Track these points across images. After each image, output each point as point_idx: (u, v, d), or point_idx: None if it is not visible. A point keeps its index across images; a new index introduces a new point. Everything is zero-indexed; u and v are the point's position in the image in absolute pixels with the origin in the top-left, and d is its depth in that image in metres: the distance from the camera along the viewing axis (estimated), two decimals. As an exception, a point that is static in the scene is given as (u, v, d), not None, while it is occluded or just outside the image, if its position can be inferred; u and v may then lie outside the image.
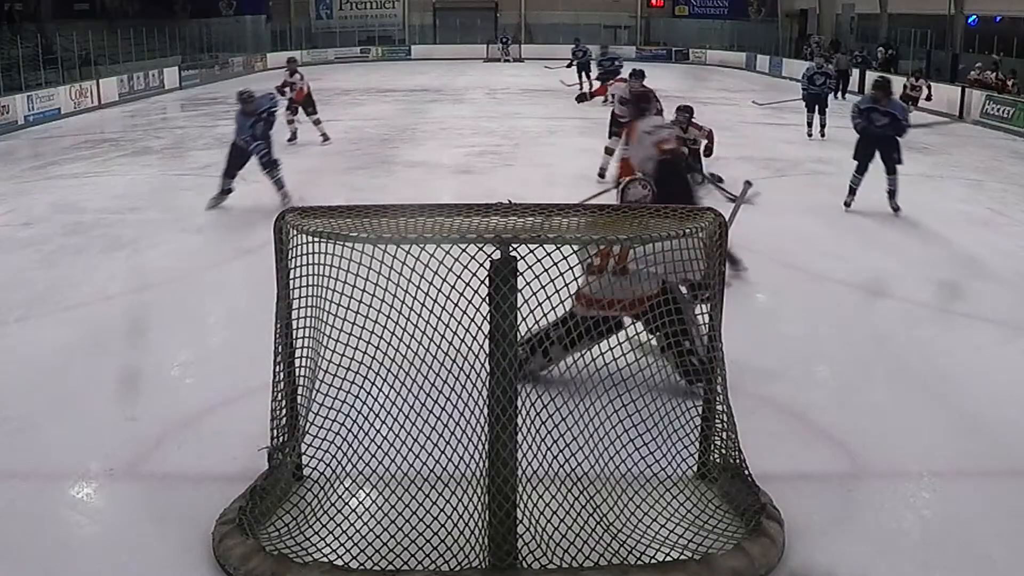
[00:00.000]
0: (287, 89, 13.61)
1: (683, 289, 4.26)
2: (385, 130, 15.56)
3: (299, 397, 3.70)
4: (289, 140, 13.41)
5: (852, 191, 9.05)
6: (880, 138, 8.63)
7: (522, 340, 3.82)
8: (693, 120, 9.42)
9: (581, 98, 10.77)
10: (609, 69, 19.49)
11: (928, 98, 18.05)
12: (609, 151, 9.82)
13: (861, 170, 8.93)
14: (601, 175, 9.48)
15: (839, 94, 21.32)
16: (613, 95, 10.25)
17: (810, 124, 14.95)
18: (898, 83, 19.60)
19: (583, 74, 21.31)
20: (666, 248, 3.50)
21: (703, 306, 3.78)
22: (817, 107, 14.87)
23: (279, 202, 8.53)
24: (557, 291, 3.23)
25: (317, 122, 13.91)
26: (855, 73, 23.82)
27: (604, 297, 4.26)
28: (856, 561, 3.38)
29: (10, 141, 15.59)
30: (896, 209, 8.78)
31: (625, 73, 11.97)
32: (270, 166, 9.17)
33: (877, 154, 8.75)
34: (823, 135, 14.45)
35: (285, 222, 3.49)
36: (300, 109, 13.80)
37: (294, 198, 8.75)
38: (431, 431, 3.34)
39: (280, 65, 32.40)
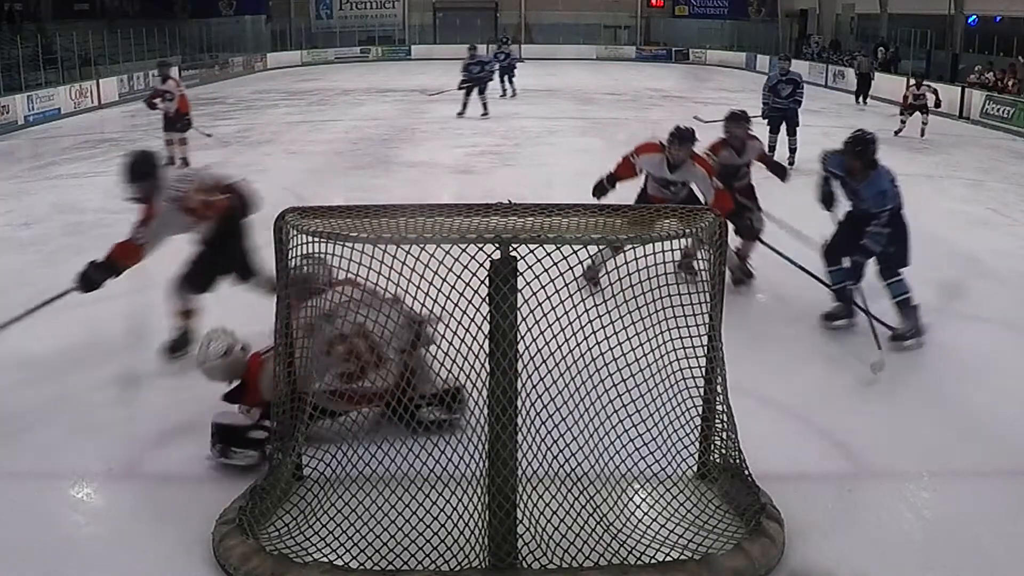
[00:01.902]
0: (158, 100, 11.27)
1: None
2: (385, 130, 15.56)
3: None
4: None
5: (841, 310, 5.73)
6: (862, 221, 5.43)
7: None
8: (751, 133, 6.80)
9: (600, 191, 6.23)
10: (476, 76, 16.52)
11: (937, 104, 15.23)
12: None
13: (832, 262, 5.67)
14: (592, 278, 4.81)
15: (861, 99, 20.36)
16: (642, 169, 6.29)
17: (772, 148, 10.69)
18: (899, 83, 19.61)
19: (476, 92, 16.57)
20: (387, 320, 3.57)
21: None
22: (785, 126, 11.36)
23: None
24: (557, 291, 3.23)
25: (183, 141, 11.28)
26: (854, 74, 23.79)
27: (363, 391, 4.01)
28: (856, 561, 3.38)
29: (10, 141, 15.59)
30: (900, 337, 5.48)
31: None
32: None
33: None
34: (792, 163, 10.63)
35: (285, 222, 3.49)
36: (175, 124, 11.24)
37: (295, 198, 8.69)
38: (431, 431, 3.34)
39: (280, 65, 32.63)
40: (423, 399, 4.03)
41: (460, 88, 16.67)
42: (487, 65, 16.91)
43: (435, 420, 3.96)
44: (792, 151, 11.29)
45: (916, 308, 5.51)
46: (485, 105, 16.76)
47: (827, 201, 5.65)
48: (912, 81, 16.94)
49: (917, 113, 14.82)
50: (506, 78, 20.00)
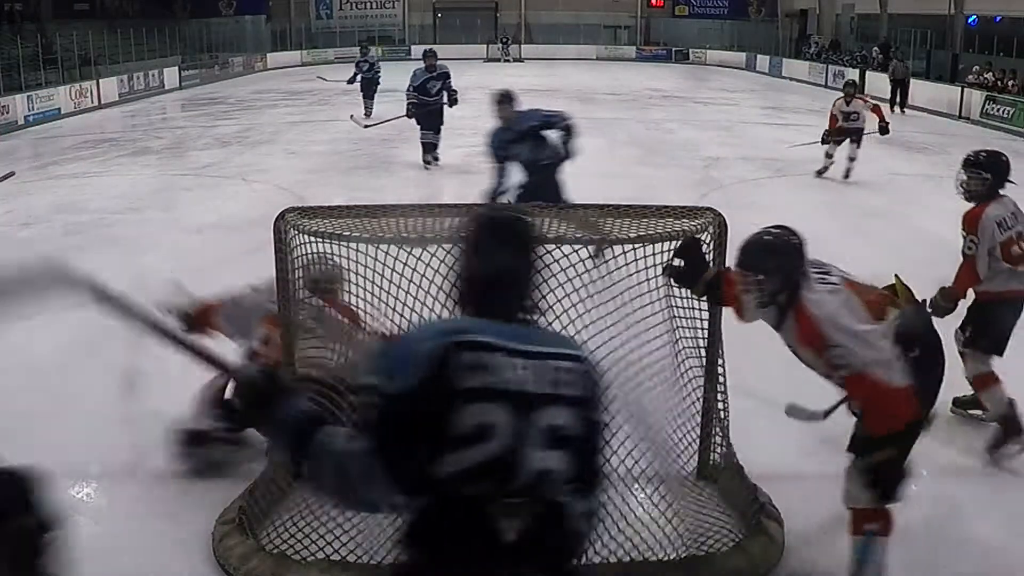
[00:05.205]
0: None
1: None
2: (385, 130, 15.53)
3: (299, 397, 3.70)
4: None
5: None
6: None
7: None
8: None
9: None
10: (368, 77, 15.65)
11: (883, 130, 9.99)
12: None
13: None
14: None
15: (896, 107, 18.82)
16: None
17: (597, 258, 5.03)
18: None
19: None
20: None
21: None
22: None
23: None
24: (556, 290, 3.22)
25: None
26: (854, 74, 23.78)
27: None
28: (856, 561, 3.38)
29: (10, 141, 15.59)
30: None
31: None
32: None
33: None
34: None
35: (285, 222, 3.49)
36: None
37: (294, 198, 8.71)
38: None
39: (280, 65, 32.58)
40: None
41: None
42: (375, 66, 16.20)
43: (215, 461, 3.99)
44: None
45: None
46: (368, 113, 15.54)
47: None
48: (841, 92, 10.88)
49: (847, 141, 10.27)
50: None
